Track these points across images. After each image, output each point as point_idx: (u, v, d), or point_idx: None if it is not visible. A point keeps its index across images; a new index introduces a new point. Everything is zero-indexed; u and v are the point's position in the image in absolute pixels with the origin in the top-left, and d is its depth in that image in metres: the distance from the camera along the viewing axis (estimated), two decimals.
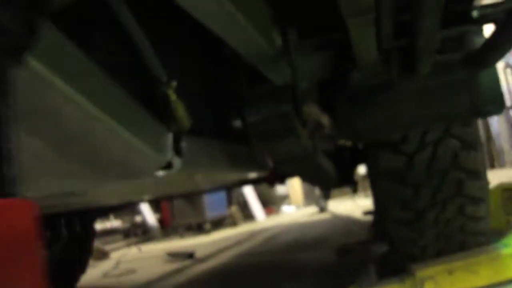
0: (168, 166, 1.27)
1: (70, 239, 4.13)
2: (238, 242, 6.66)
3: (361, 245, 3.40)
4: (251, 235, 7.36)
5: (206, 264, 5.02)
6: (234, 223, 10.50)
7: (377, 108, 1.87)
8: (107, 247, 8.14)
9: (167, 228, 10.77)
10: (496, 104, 1.85)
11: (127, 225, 11.79)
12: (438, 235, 2.24)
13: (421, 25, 1.26)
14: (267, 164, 2.06)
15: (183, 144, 1.32)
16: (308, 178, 2.74)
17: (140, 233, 11.23)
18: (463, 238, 2.26)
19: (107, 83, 1.04)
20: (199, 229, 9.95)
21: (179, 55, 1.53)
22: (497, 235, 2.58)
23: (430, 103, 1.87)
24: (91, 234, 4.43)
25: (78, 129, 1.01)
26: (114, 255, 7.54)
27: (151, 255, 6.77)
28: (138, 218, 11.54)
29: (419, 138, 2.09)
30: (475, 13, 1.67)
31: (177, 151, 1.29)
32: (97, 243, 6.35)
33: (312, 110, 1.63)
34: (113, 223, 11.91)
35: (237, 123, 1.58)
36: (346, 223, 6.41)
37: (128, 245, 8.91)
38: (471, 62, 1.79)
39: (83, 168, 1.18)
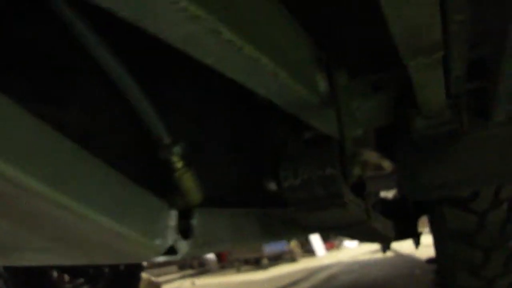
0: (170, 251, 1.00)
1: (114, 276, 4.02)
2: (295, 282, 6.37)
3: None
4: (309, 273, 7.06)
5: None
6: (293, 259, 10.17)
7: (444, 160, 1.57)
8: (161, 279, 7.98)
9: (224, 262, 10.56)
10: None
11: None
12: None
13: (505, 64, 0.97)
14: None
15: (194, 222, 1.06)
16: (360, 239, 2.44)
17: (196, 265, 11.04)
18: None
19: (78, 157, 0.81)
20: (256, 263, 9.69)
21: (192, 104, 1.27)
22: None
23: (506, 154, 1.55)
24: (138, 269, 4.27)
25: (39, 214, 0.79)
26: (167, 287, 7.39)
27: None
28: None
29: (492, 195, 1.82)
30: None
31: (184, 231, 1.03)
32: (149, 275, 6.23)
33: (370, 156, 1.34)
34: None
35: (272, 186, 1.30)
36: (409, 266, 5.98)
37: (183, 277, 8.73)
38: None
39: (61, 247, 0.94)
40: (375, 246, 9.59)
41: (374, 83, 1.45)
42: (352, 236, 1.97)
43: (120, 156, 1.03)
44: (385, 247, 2.85)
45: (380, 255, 8.34)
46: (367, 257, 8.28)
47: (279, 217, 1.43)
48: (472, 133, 1.53)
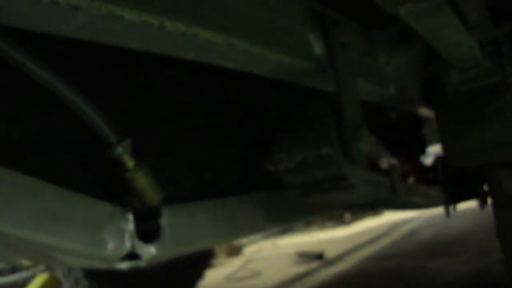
0: (131, 256, 0.91)
1: None
2: (373, 239, 6.23)
3: None
4: (390, 229, 6.84)
5: (331, 269, 4.69)
6: (376, 212, 9.93)
7: (490, 120, 1.34)
8: (242, 241, 8.00)
9: None
10: None
11: None
12: None
13: None
14: None
15: (163, 222, 0.96)
16: (398, 210, 2.25)
17: None
18: None
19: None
20: (340, 218, 9.52)
21: (179, 92, 1.17)
22: None
23: None
24: None
25: None
26: (247, 250, 7.44)
27: (282, 252, 6.50)
28: None
29: None
30: None
31: (148, 235, 0.94)
32: None
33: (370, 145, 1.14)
34: None
35: (270, 166, 1.13)
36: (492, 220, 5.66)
37: (265, 237, 8.71)
38: None
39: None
40: None
41: (400, 34, 1.25)
42: (389, 207, 1.78)
43: (69, 164, 0.93)
44: (447, 211, 2.61)
45: (464, 207, 7.94)
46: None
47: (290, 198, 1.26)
48: None
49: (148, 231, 0.95)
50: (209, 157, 1.25)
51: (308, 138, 1.02)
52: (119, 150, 0.91)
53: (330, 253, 5.52)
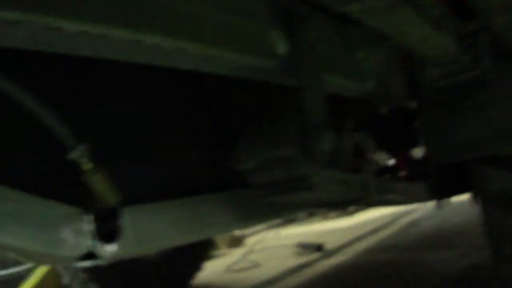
0: (90, 256, 0.92)
1: None
2: (373, 230, 6.26)
3: None
4: (392, 220, 6.88)
5: (330, 261, 4.72)
6: None
7: (472, 114, 1.32)
8: (245, 231, 8.01)
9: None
10: None
11: None
12: None
13: None
14: None
15: (124, 222, 0.98)
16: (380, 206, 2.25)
17: None
18: None
19: None
20: (343, 209, 9.52)
21: (135, 98, 1.19)
22: None
23: None
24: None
25: None
26: (249, 241, 7.47)
27: (283, 243, 6.50)
28: None
29: None
30: None
31: (108, 235, 0.95)
32: None
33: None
34: None
35: (236, 166, 1.12)
36: None
37: (269, 227, 8.71)
38: None
39: None
40: None
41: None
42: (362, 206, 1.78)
43: (31, 167, 0.96)
44: (438, 205, 2.60)
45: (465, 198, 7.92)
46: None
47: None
48: (502, 81, 1.27)
49: (110, 231, 0.96)
50: (175, 157, 1.26)
51: (269, 138, 1.01)
52: (77, 153, 0.92)
53: (330, 244, 5.54)
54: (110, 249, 0.94)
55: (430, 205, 6.67)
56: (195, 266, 4.35)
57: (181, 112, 1.30)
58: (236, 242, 7.24)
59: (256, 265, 5.23)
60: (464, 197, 2.78)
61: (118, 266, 3.31)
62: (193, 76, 0.98)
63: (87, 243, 0.92)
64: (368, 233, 6.10)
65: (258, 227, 9.09)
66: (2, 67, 0.81)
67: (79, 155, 0.92)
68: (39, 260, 1.03)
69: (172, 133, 1.26)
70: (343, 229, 7.10)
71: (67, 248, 0.88)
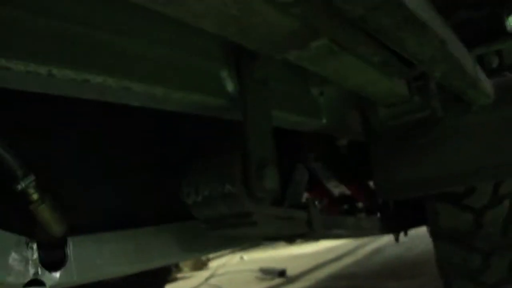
0: (35, 283, 0.97)
1: None
2: (342, 255, 6.35)
3: None
4: (358, 246, 6.91)
5: (293, 287, 4.78)
6: None
7: (420, 155, 1.34)
8: (210, 255, 7.96)
9: None
10: None
11: None
12: None
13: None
14: None
15: (68, 251, 1.03)
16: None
17: None
18: None
19: None
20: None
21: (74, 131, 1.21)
22: None
23: (500, 144, 1.31)
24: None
25: None
26: (214, 264, 7.44)
27: (247, 268, 6.48)
28: None
29: (491, 190, 1.62)
30: None
31: (54, 264, 1.00)
32: None
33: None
34: None
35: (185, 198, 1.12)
36: None
37: (232, 252, 8.68)
38: None
39: None
40: None
41: None
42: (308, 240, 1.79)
43: None
44: (396, 237, 2.63)
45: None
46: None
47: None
48: (451, 121, 1.29)
49: (55, 260, 1.00)
50: (123, 188, 1.28)
51: (213, 175, 1.01)
52: (24, 184, 0.94)
53: (293, 270, 5.54)
54: (54, 277, 0.99)
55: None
56: None
57: (129, 144, 1.32)
58: (200, 265, 7.20)
59: None
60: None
61: None
62: (142, 109, 0.99)
63: (32, 270, 0.96)
64: (332, 260, 6.12)
65: (222, 251, 9.05)
66: None
67: (27, 185, 0.95)
68: None
69: (120, 165, 1.29)
70: (307, 255, 7.13)
71: (14, 275, 0.93)
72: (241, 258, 7.88)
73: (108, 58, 0.81)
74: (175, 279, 6.40)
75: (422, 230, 2.90)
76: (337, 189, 2.47)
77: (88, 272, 1.08)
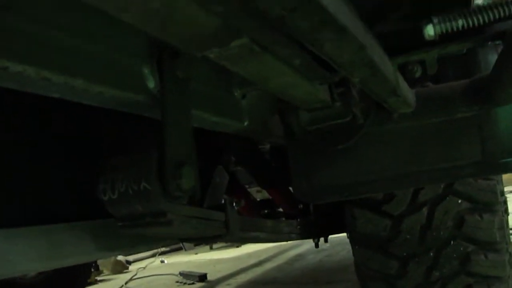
0: None
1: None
2: (262, 261, 6.43)
3: None
4: (277, 253, 7.03)
5: None
6: None
7: (340, 160, 1.36)
8: (129, 257, 7.90)
9: None
10: None
11: None
12: None
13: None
14: None
15: None
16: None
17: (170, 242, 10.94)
18: None
19: None
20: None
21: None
22: None
23: (418, 154, 1.35)
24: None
25: None
26: (134, 267, 7.42)
27: (167, 271, 6.46)
28: None
29: (410, 197, 1.66)
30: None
31: None
32: None
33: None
34: None
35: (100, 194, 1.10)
36: None
37: (154, 255, 8.64)
38: (479, 96, 1.31)
39: None
40: None
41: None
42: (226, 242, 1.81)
43: None
44: (316, 242, 2.67)
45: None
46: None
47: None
48: (372, 128, 1.31)
49: None
50: (39, 184, 1.28)
51: (130, 172, 0.99)
52: None
53: (214, 275, 5.59)
54: None
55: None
56: None
57: (47, 139, 1.30)
58: (120, 267, 7.11)
59: None
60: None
61: None
62: (61, 104, 0.96)
63: None
64: (253, 265, 6.19)
65: (143, 254, 9.00)
66: None
67: None
68: None
69: (36, 160, 1.29)
70: (228, 260, 7.18)
71: None
72: (162, 262, 7.84)
73: (28, 47, 0.78)
74: (94, 282, 6.34)
75: (344, 237, 2.99)
76: (259, 194, 2.49)
77: (5, 267, 1.10)
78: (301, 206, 2.22)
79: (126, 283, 5.73)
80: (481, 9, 1.22)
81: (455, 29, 1.24)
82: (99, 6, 0.59)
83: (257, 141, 2.04)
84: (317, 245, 2.78)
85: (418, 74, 1.48)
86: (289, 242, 7.80)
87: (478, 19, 1.21)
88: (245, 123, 1.36)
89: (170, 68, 1.01)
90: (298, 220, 2.09)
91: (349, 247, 5.36)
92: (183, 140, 1.04)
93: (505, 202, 2.02)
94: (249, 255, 7.16)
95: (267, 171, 2.19)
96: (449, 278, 1.66)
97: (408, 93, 1.21)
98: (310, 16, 0.59)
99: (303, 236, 2.14)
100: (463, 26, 1.23)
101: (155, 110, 1.04)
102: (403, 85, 1.15)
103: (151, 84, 1.00)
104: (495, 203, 1.63)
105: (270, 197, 2.41)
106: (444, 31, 1.25)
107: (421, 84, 1.42)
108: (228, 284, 5.03)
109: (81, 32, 0.87)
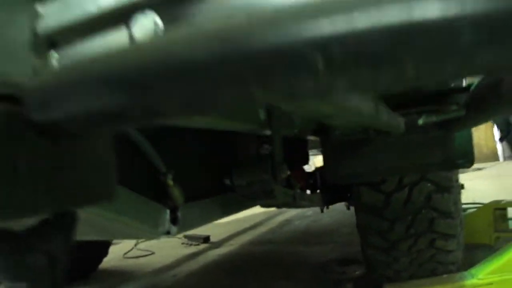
0: (167, 232, 1.59)
1: None
2: (252, 226, 6.79)
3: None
4: (266, 218, 7.41)
5: (218, 251, 5.12)
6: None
7: (356, 157, 2.09)
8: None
9: None
10: (467, 158, 2.00)
11: None
12: (411, 262, 2.48)
13: None
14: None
15: (180, 214, 1.64)
16: (294, 207, 3.03)
17: None
18: (434, 266, 2.49)
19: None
20: None
21: (180, 145, 1.85)
22: (486, 250, 2.90)
23: (406, 155, 2.03)
24: None
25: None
26: None
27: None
28: None
29: (397, 181, 2.31)
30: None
31: (174, 221, 1.62)
32: None
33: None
34: None
35: (228, 182, 1.85)
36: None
37: None
38: (447, 125, 1.93)
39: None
40: None
41: None
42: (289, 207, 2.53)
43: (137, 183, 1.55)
44: (321, 209, 3.41)
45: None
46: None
47: (234, 198, 2.02)
48: (378, 139, 2.04)
49: (172, 219, 1.66)
50: (200, 175, 2.02)
51: (256, 169, 1.73)
52: (166, 176, 1.63)
53: (216, 237, 5.90)
54: (175, 229, 1.64)
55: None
56: (104, 251, 4.75)
57: (206, 145, 2.04)
58: None
59: (150, 253, 5.43)
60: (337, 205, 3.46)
61: None
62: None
63: (167, 225, 1.57)
64: (248, 228, 6.58)
65: None
66: None
67: (168, 178, 1.58)
68: (144, 234, 1.64)
69: (202, 157, 2.03)
70: (226, 223, 7.10)
71: (161, 227, 1.53)
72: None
73: None
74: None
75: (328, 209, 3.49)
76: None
77: (189, 225, 1.73)
78: (312, 181, 2.92)
79: (135, 244, 5.90)
80: None
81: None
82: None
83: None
84: (322, 211, 3.51)
85: None
86: (272, 209, 8.23)
87: None
88: (296, 131, 2.03)
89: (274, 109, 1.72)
90: (318, 192, 2.83)
91: (330, 214, 5.76)
92: (280, 148, 1.78)
93: (459, 186, 2.59)
94: (244, 220, 7.40)
95: (291, 155, 2.82)
96: (420, 234, 2.34)
97: (394, 121, 1.79)
98: None
99: (319, 204, 2.87)
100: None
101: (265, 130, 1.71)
102: (385, 117, 1.79)
103: (262, 116, 1.58)
104: (452, 187, 2.30)
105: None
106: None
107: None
108: (231, 244, 5.37)
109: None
